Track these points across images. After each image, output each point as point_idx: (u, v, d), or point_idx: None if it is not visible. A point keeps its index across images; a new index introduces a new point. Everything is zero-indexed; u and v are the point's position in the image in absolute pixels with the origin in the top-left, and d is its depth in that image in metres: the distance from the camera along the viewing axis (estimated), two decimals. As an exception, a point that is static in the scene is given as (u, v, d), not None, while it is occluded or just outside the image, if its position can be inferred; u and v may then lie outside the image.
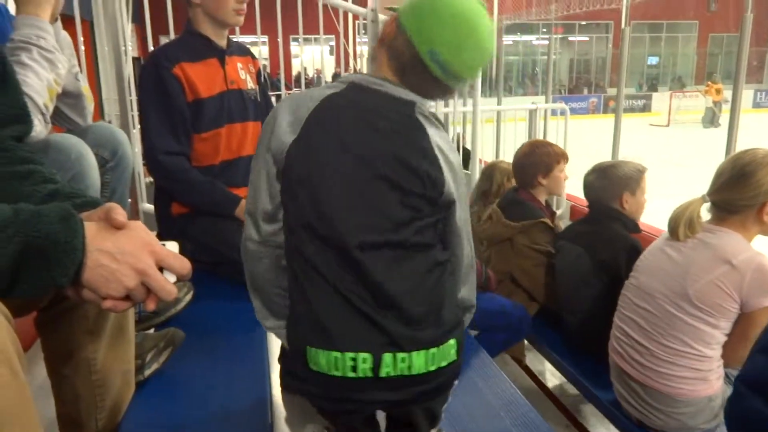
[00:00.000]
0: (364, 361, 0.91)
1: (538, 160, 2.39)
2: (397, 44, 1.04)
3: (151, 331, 1.44)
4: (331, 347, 0.92)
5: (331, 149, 0.98)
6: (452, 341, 0.99)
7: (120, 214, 0.74)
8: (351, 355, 0.91)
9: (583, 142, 7.22)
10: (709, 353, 1.62)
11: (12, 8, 1.42)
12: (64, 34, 1.41)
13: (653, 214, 2.50)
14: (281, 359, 1.14)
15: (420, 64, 1.02)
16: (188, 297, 1.64)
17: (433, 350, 0.95)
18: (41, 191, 0.83)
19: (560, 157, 2.41)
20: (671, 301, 1.65)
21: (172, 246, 0.82)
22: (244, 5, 1.90)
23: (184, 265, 0.77)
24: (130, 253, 0.72)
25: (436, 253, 1.02)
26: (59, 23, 1.41)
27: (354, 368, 0.91)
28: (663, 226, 2.79)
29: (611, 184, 2.13)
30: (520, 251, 2.34)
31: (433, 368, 0.95)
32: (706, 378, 1.64)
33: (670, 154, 11.39)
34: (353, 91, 1.04)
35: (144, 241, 0.75)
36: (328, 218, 0.95)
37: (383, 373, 0.92)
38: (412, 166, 0.98)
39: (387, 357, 0.92)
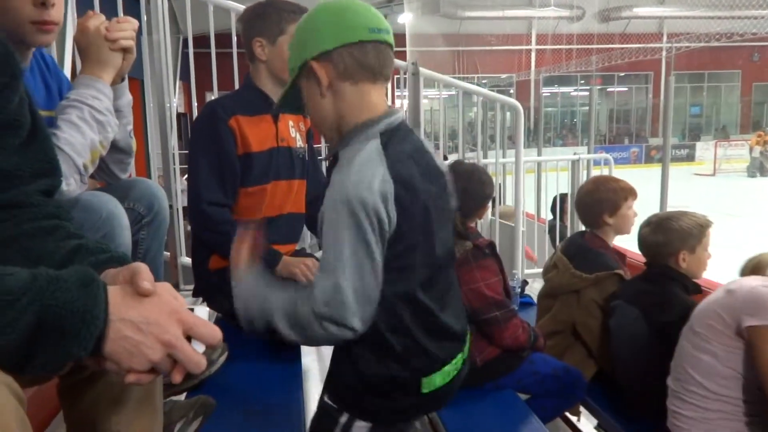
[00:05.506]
0: (459, 360, 1.15)
1: (603, 197, 2.21)
2: (344, 67, 1.03)
3: (182, 397, 1.37)
4: (442, 366, 1.11)
5: (419, 200, 1.04)
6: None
7: (146, 279, 0.68)
8: (453, 362, 1.13)
9: (628, 193, 7.01)
10: (711, 387, 1.58)
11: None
12: (129, 95, 1.41)
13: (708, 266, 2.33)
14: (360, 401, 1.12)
15: (361, 46, 1.03)
16: (222, 358, 1.56)
17: (469, 335, 1.21)
18: (65, 247, 0.79)
19: (627, 193, 2.22)
20: (684, 335, 1.68)
21: (202, 311, 0.76)
22: None
23: (215, 333, 0.71)
24: (156, 323, 0.66)
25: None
26: (126, 83, 1.39)
27: (456, 368, 1.14)
28: (718, 278, 2.62)
29: (667, 239, 1.99)
30: (587, 306, 2.16)
31: (468, 348, 1.20)
32: (707, 419, 1.59)
33: (719, 203, 11.01)
34: (386, 139, 1.05)
35: (171, 308, 0.69)
36: (435, 245, 1.08)
37: (462, 362, 1.16)
38: (435, 167, 1.13)
39: (465, 347, 1.17)
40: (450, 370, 1.13)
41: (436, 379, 1.10)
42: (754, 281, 1.56)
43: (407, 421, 1.19)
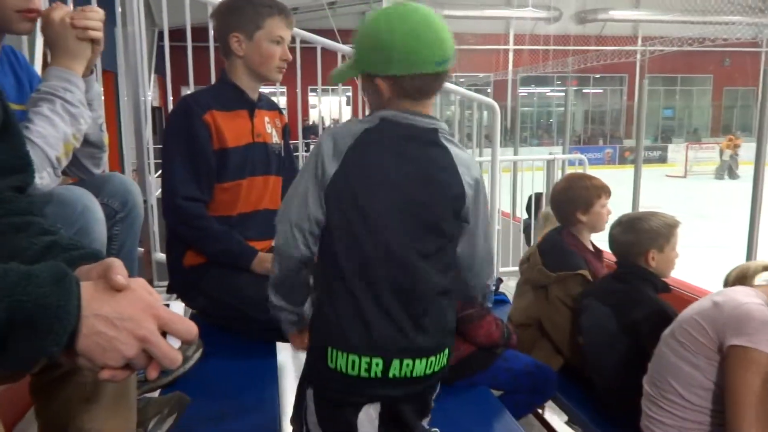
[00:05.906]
0: (377, 365, 1.08)
1: (577, 194, 2.23)
2: (405, 91, 1.12)
3: (156, 394, 1.36)
4: (350, 351, 1.07)
5: (371, 178, 1.11)
6: (447, 350, 1.17)
7: (119, 274, 0.67)
8: (366, 359, 1.08)
9: (602, 193, 7.11)
10: (690, 398, 1.56)
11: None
12: (97, 87, 1.39)
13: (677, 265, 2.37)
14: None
15: (426, 76, 1.12)
16: (197, 355, 1.56)
17: (432, 358, 1.13)
18: (38, 243, 0.78)
19: (601, 190, 2.24)
20: (664, 341, 1.65)
21: (178, 307, 0.76)
22: (286, 64, 1.89)
23: (190, 329, 0.71)
24: (130, 319, 0.65)
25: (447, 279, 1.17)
26: (94, 76, 1.37)
27: (368, 370, 1.08)
28: (687, 277, 2.66)
29: (637, 239, 2.02)
30: (553, 302, 2.19)
31: (429, 372, 1.13)
32: (684, 428, 1.58)
33: (690, 205, 11.25)
34: (385, 124, 1.14)
35: (146, 303, 0.68)
36: (375, 236, 1.09)
37: (390, 375, 1.09)
38: (437, 179, 1.13)
39: (395, 362, 1.09)
40: (357, 362, 1.08)
41: (340, 359, 1.08)
42: (742, 296, 1.51)
43: (324, 397, 1.13)
